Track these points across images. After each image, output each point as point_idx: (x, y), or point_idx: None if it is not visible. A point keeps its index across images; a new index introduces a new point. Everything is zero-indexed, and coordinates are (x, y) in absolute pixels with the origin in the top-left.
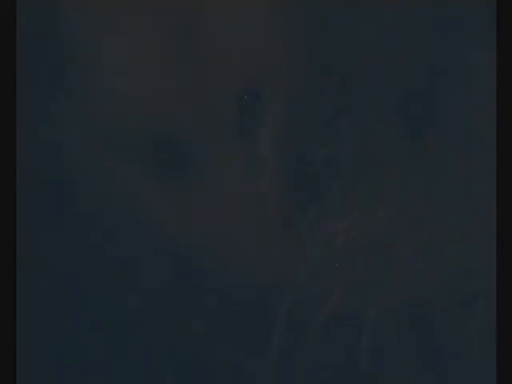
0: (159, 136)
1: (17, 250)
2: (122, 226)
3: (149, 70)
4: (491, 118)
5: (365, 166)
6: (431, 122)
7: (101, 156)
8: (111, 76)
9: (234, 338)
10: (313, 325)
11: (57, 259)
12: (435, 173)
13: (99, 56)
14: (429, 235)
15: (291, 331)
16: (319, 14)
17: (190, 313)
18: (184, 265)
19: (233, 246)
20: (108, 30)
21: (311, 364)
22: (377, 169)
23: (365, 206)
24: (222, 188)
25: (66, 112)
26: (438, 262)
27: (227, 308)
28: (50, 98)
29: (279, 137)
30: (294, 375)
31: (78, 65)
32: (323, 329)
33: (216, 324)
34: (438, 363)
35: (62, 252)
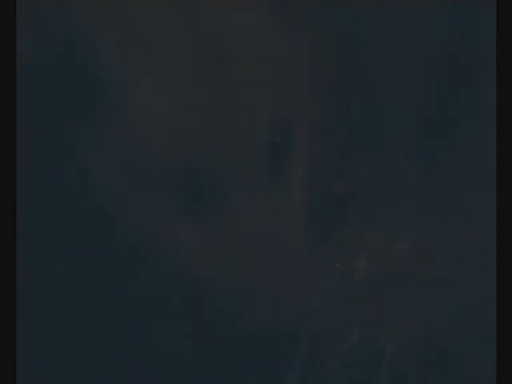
0: (192, 172)
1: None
2: (151, 260)
3: (184, 111)
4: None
5: (383, 201)
6: (448, 156)
7: (134, 193)
8: (147, 119)
9: (255, 370)
10: (332, 357)
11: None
12: (452, 206)
13: (136, 96)
14: (445, 269)
15: (311, 364)
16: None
17: (210, 344)
18: (206, 294)
19: (256, 280)
20: (146, 73)
21: None
22: (395, 203)
23: (383, 241)
24: (248, 223)
25: (100, 149)
26: (454, 297)
27: (249, 341)
28: (83, 132)
29: (303, 175)
30: None
31: (114, 103)
32: (343, 361)
33: (238, 355)
34: None
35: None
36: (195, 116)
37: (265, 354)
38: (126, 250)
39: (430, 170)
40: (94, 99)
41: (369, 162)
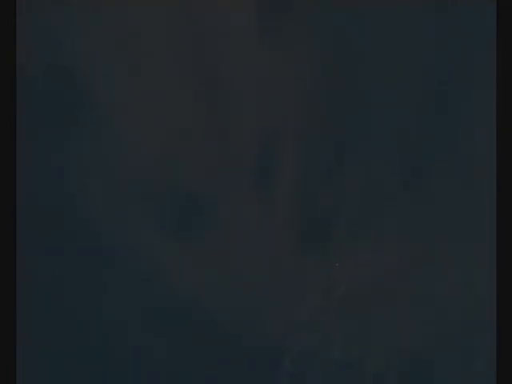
0: (176, 189)
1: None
2: (136, 278)
3: (169, 127)
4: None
5: (367, 218)
6: (433, 170)
7: (118, 211)
8: (132, 136)
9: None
10: (316, 372)
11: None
12: (437, 221)
13: (121, 117)
14: (430, 283)
15: (296, 378)
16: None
17: (199, 357)
18: (196, 311)
19: (243, 295)
20: (132, 88)
21: None
22: (379, 219)
23: (368, 255)
24: (234, 238)
25: (84, 166)
26: (439, 311)
27: (235, 354)
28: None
29: (289, 190)
30: None
31: (98, 117)
32: (326, 375)
33: (224, 369)
34: None
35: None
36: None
37: (248, 365)
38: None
39: (418, 183)
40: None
41: (360, 173)
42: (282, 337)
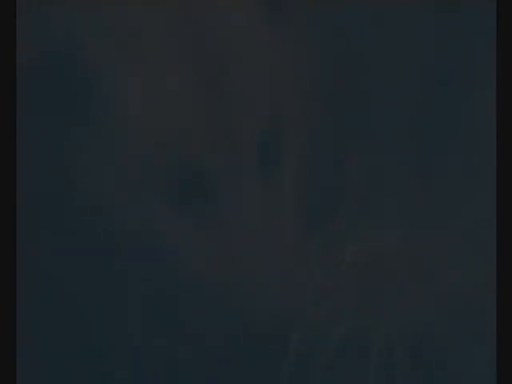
0: (184, 171)
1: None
2: (145, 257)
3: (175, 112)
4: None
5: (371, 197)
6: (439, 150)
7: (128, 191)
8: (138, 117)
9: (247, 360)
10: (323, 349)
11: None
12: (442, 199)
13: (126, 98)
14: (433, 261)
15: (302, 358)
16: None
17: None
18: (201, 289)
19: (247, 272)
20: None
21: None
22: (384, 198)
23: (372, 233)
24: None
25: (94, 149)
26: (441, 288)
27: (242, 330)
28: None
29: (293, 171)
30: None
31: (107, 103)
32: (333, 353)
33: (231, 345)
34: None
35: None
36: (194, 117)
37: (256, 342)
38: (126, 251)
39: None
40: (92, 99)
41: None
42: None
